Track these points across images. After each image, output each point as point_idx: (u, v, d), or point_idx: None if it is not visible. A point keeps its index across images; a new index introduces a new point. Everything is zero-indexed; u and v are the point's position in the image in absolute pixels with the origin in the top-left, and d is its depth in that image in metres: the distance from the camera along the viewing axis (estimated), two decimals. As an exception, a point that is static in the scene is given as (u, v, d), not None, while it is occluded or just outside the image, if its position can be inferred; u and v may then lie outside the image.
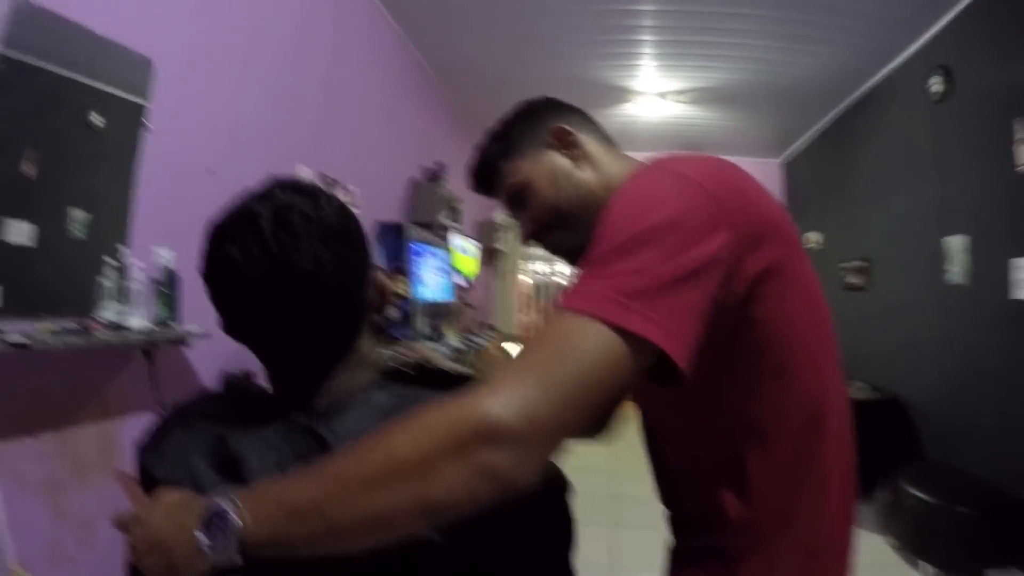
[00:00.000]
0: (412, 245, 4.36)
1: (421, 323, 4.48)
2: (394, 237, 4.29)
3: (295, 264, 0.70)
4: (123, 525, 0.67)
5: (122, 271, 2.05)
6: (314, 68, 3.30)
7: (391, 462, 0.57)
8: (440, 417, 0.59)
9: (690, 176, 0.76)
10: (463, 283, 6.01)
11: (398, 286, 4.29)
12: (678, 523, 1.02)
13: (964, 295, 3.81)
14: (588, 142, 1.00)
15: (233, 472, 0.73)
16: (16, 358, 1.66)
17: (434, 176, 5.02)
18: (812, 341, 0.86)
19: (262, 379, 2.38)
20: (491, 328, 6.56)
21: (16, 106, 1.71)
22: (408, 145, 4.85)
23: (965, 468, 3.58)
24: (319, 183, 3.39)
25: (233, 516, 0.59)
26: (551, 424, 0.59)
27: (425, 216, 4.81)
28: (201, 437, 0.78)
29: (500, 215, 7.57)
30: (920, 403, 4.22)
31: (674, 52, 4.80)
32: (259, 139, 2.82)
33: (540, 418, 0.58)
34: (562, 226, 0.98)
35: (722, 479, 0.86)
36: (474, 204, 6.72)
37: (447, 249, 5.28)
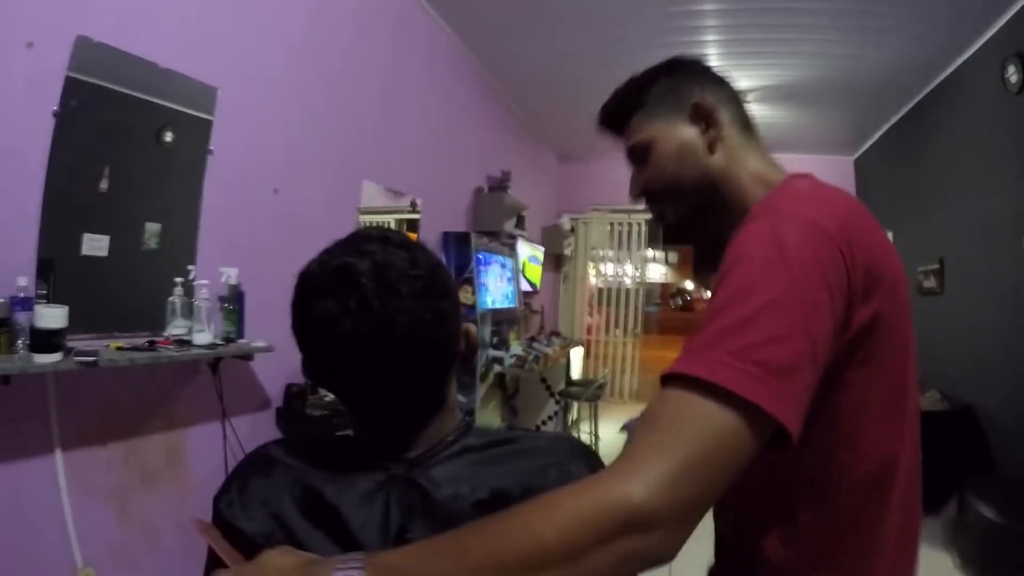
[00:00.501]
0: (477, 254, 4.37)
1: (485, 332, 4.49)
2: (459, 247, 4.31)
3: (396, 321, 0.69)
4: None
5: (189, 289, 2.13)
6: (375, 83, 3.34)
7: (536, 550, 0.54)
8: (584, 503, 0.56)
9: (833, 237, 0.70)
10: (529, 289, 6.00)
11: (464, 295, 4.32)
12: (720, 543, 0.96)
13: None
14: (728, 126, 0.91)
15: (334, 527, 0.71)
16: (89, 372, 1.74)
17: (499, 185, 5.02)
18: (896, 399, 0.80)
19: (323, 391, 2.40)
20: (555, 334, 6.53)
21: (87, 128, 1.81)
22: (472, 154, 4.87)
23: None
24: (390, 196, 3.44)
25: None
26: (693, 504, 0.57)
27: (491, 224, 4.82)
28: (286, 487, 0.74)
29: (566, 221, 7.52)
30: (994, 415, 3.91)
31: (739, 51, 4.60)
32: (323, 157, 2.88)
33: (683, 500, 0.56)
34: (672, 201, 0.93)
35: (771, 521, 0.81)
36: (540, 210, 6.70)
37: (513, 257, 5.28)
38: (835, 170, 7.05)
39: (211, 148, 2.20)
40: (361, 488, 0.73)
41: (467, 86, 4.71)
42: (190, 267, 2.20)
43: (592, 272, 7.94)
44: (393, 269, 0.70)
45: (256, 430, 2.51)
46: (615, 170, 6.87)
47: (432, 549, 0.58)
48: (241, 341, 2.24)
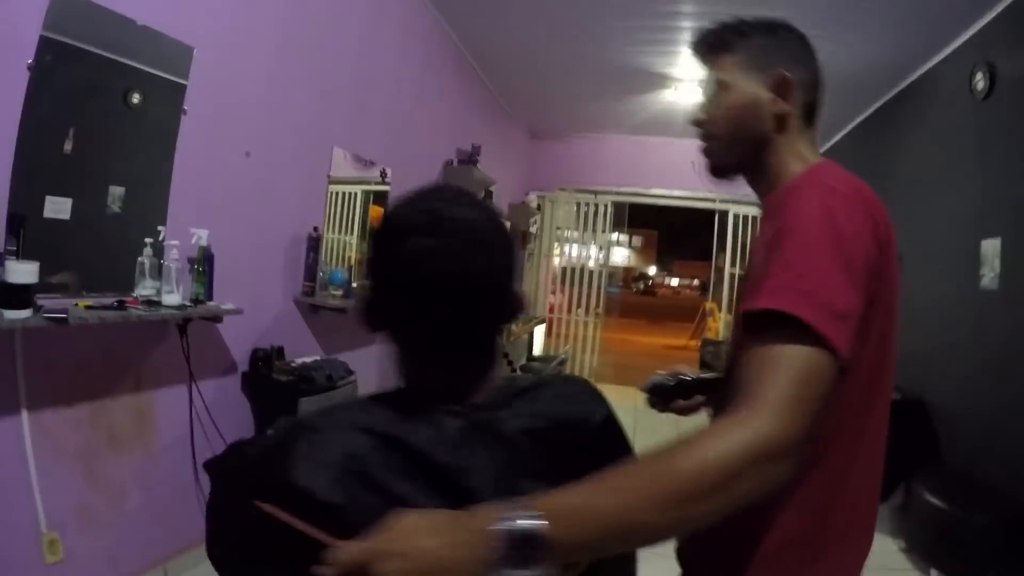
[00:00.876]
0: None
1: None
2: (427, 219, 4.29)
3: (488, 269, 0.74)
4: (358, 566, 0.57)
5: (159, 249, 2.09)
6: (350, 52, 3.28)
7: (698, 482, 0.64)
8: (734, 440, 0.66)
9: (873, 214, 0.83)
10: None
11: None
12: None
13: (998, 300, 3.67)
14: (796, 110, 0.97)
15: (432, 478, 0.69)
16: (57, 332, 1.71)
17: (469, 159, 5.00)
18: (870, 383, 0.88)
19: (291, 355, 2.38)
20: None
21: (58, 87, 1.74)
22: (443, 127, 4.82)
23: (986, 477, 3.48)
24: (360, 165, 3.39)
25: (542, 535, 0.58)
26: (807, 431, 0.69)
27: (459, 199, 4.80)
28: (365, 449, 0.68)
29: (533, 198, 7.53)
30: (945, 408, 4.09)
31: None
32: (296, 122, 2.83)
33: (802, 429, 0.68)
34: (723, 144, 0.98)
35: None
36: (508, 187, 6.69)
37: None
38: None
39: (185, 108, 2.15)
40: (448, 434, 0.72)
41: (441, 58, 4.65)
42: (160, 227, 2.15)
43: (556, 251, 7.98)
44: (486, 222, 0.76)
45: (221, 394, 2.48)
46: (584, 150, 6.91)
47: (604, 489, 0.64)
48: (210, 303, 2.21)
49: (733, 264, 7.54)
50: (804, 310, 0.71)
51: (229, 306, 2.25)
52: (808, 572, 0.87)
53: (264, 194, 2.65)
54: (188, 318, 2.15)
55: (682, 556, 1.00)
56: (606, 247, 7.94)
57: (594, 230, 7.76)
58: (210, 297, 2.23)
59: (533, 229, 7.42)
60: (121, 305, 1.85)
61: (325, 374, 2.74)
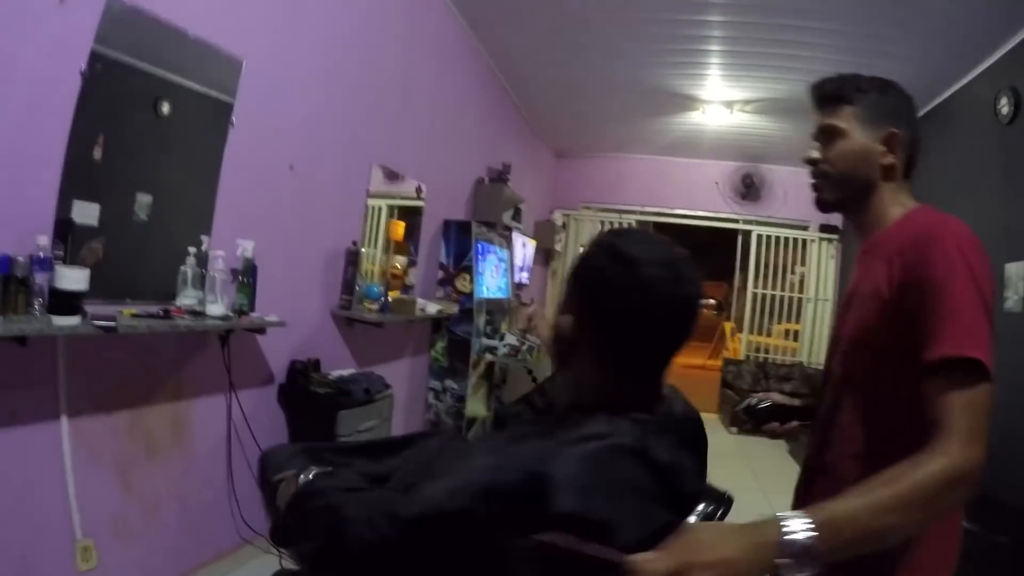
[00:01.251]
0: (477, 243, 4.33)
1: (480, 320, 4.45)
2: (459, 235, 4.27)
3: (698, 293, 0.90)
4: (681, 568, 0.72)
5: (203, 260, 2.07)
6: (389, 69, 3.27)
7: (934, 496, 0.81)
8: (946, 468, 0.81)
9: (987, 257, 0.96)
10: (526, 281, 5.98)
11: (462, 284, 4.28)
12: (817, 470, 1.13)
13: (1022, 323, 3.57)
14: (899, 163, 1.12)
15: (680, 503, 0.87)
16: (101, 339, 1.68)
17: (500, 176, 4.98)
18: None
19: (326, 367, 2.33)
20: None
21: (107, 101, 1.73)
22: (474, 145, 4.82)
23: (1009, 498, 3.37)
24: (397, 182, 3.37)
25: (815, 545, 0.74)
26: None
27: (489, 215, 4.78)
28: (641, 473, 0.81)
29: (559, 216, 7.50)
30: None
31: (741, 63, 4.61)
32: (337, 138, 2.82)
33: (985, 459, 0.84)
34: (834, 185, 1.12)
35: (867, 455, 1.01)
36: (534, 205, 6.67)
37: (509, 248, 5.24)
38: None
39: (233, 121, 2.14)
40: (667, 442, 0.85)
41: (474, 76, 4.66)
42: (203, 237, 2.13)
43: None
44: (686, 257, 0.91)
45: (258, 405, 2.45)
46: (607, 170, 6.88)
47: (875, 507, 0.80)
48: (253, 315, 2.18)
49: (756, 284, 7.44)
50: (982, 355, 0.87)
51: (273, 318, 2.22)
52: None
53: (305, 208, 2.63)
54: (231, 329, 2.12)
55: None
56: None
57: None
58: (252, 308, 2.20)
59: (558, 247, 7.37)
60: (167, 314, 1.83)
61: (363, 387, 2.71)
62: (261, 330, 2.23)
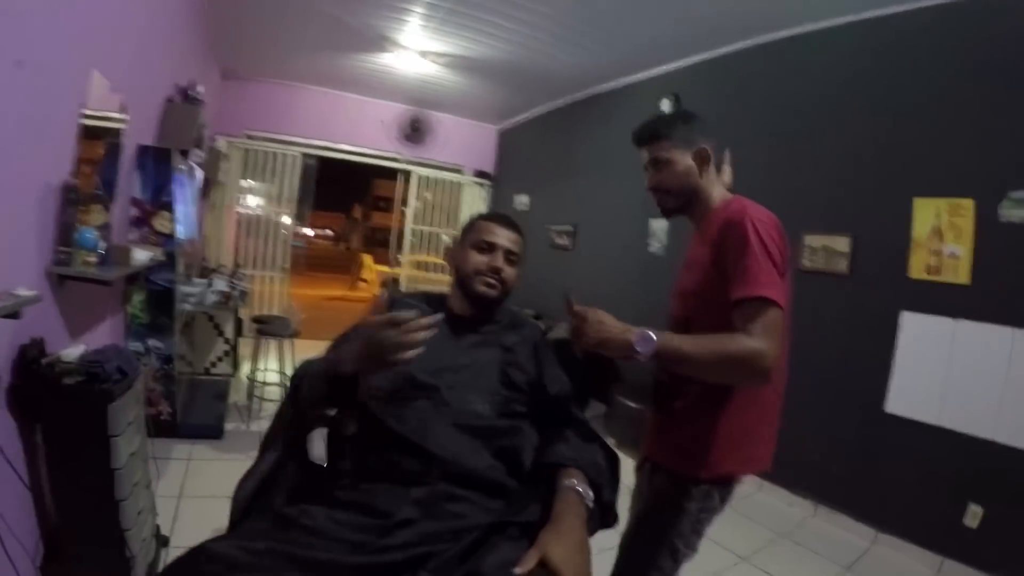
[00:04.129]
0: (175, 176, 3.42)
1: (180, 265, 3.59)
2: (156, 164, 3.30)
3: None
4: (581, 317, 1.36)
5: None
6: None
7: (724, 354, 1.23)
8: (743, 343, 1.21)
9: (779, 233, 1.34)
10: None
11: (161, 223, 3.35)
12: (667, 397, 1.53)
13: (662, 263, 4.50)
14: (711, 164, 1.47)
15: None
16: None
17: (189, 97, 3.97)
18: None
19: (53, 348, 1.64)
20: (210, 269, 5.54)
21: None
22: (167, 56, 3.70)
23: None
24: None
25: (655, 340, 1.25)
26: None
27: (181, 142, 3.78)
28: None
29: (223, 143, 6.39)
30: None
31: (443, 18, 4.52)
32: (65, 31, 1.87)
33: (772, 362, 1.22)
34: (673, 197, 1.50)
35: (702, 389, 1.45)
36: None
37: (193, 180, 4.29)
38: (482, 134, 7.57)
39: None
40: None
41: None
42: None
43: (241, 201, 6.95)
44: None
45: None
46: (275, 98, 6.21)
47: (692, 341, 1.27)
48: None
49: (417, 221, 7.61)
50: (774, 295, 1.23)
51: (28, 292, 1.42)
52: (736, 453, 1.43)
53: (23, 124, 1.70)
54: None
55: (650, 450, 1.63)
56: (295, 201, 7.17)
57: (282, 183, 6.96)
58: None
59: (222, 178, 6.30)
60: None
61: (115, 367, 1.92)
62: (15, 313, 1.41)
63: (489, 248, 1.46)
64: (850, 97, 3.44)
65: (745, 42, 4.15)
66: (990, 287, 2.74)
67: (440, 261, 7.82)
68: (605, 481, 1.23)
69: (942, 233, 2.91)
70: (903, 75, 3.18)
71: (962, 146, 2.89)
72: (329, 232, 27.53)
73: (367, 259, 12.98)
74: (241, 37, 5.44)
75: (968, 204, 2.82)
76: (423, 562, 0.98)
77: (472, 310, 1.48)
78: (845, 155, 3.43)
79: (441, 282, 7.96)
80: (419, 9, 4.44)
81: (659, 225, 4.67)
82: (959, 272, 2.84)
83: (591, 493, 1.16)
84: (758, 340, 1.19)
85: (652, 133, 1.49)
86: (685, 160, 1.45)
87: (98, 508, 1.74)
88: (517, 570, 0.95)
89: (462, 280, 1.47)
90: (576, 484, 1.14)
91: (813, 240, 3.50)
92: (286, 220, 7.19)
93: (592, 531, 1.18)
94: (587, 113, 5.87)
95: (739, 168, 4.05)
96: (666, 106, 4.68)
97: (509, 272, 1.48)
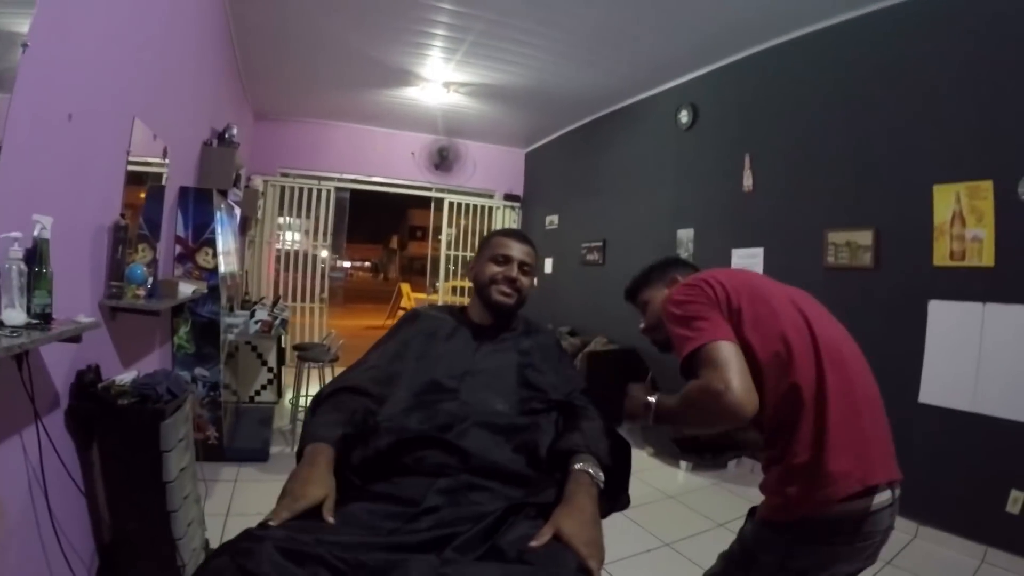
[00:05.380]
0: (217, 214, 3.64)
1: (224, 297, 3.78)
2: (198, 204, 3.53)
3: None
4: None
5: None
6: (159, 8, 2.50)
7: (687, 399, 1.28)
8: (698, 384, 1.24)
9: (699, 285, 1.40)
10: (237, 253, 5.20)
11: (204, 259, 3.56)
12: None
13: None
14: (680, 278, 1.57)
15: None
16: None
17: (226, 139, 4.22)
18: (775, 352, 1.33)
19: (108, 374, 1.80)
20: (250, 301, 5.79)
21: None
22: (204, 102, 3.96)
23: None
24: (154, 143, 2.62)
25: (654, 404, 1.37)
26: (734, 387, 1.21)
27: (220, 182, 4.02)
28: None
29: (259, 182, 6.70)
30: (649, 352, 4.95)
31: (465, 49, 4.71)
32: (110, 83, 2.07)
33: (733, 388, 1.20)
34: (658, 331, 1.57)
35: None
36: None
37: (234, 218, 4.52)
38: (510, 158, 7.74)
39: (27, 41, 1.41)
40: None
41: (214, 25, 3.81)
42: (-36, 216, 1.39)
43: (279, 237, 7.24)
44: None
45: (50, 439, 1.72)
46: (307, 136, 6.49)
47: (672, 397, 1.34)
48: (59, 318, 1.52)
49: (452, 247, 7.78)
50: (692, 344, 1.28)
51: (88, 319, 1.58)
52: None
53: (74, 172, 1.89)
54: (34, 345, 1.44)
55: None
56: (332, 236, 7.44)
57: (317, 217, 7.24)
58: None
59: (259, 215, 6.60)
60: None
61: (166, 388, 2.08)
62: (77, 338, 1.57)
63: (505, 260, 1.58)
64: (863, 89, 3.46)
65: (757, 46, 4.22)
66: (1015, 267, 2.71)
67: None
68: (615, 464, 1.33)
69: (963, 217, 2.90)
70: (913, 63, 3.19)
71: (977, 128, 2.89)
72: (367, 263, 28.09)
73: (405, 288, 13.23)
74: (271, 81, 5.74)
75: (987, 186, 2.81)
76: (448, 541, 1.06)
77: (491, 319, 1.60)
78: (861, 148, 3.44)
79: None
80: (439, 43, 4.65)
81: (686, 234, 4.71)
82: (983, 255, 2.82)
83: (601, 475, 1.26)
84: (703, 377, 1.23)
85: (636, 288, 1.70)
86: (661, 295, 1.58)
87: (150, 519, 1.88)
88: (532, 543, 1.04)
89: (481, 290, 1.60)
90: (587, 467, 1.24)
91: (836, 237, 3.50)
92: (324, 253, 7.45)
93: (605, 512, 1.29)
94: (609, 129, 5.98)
95: (759, 172, 4.12)
96: (684, 117, 4.75)
97: (524, 281, 1.60)
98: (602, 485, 1.25)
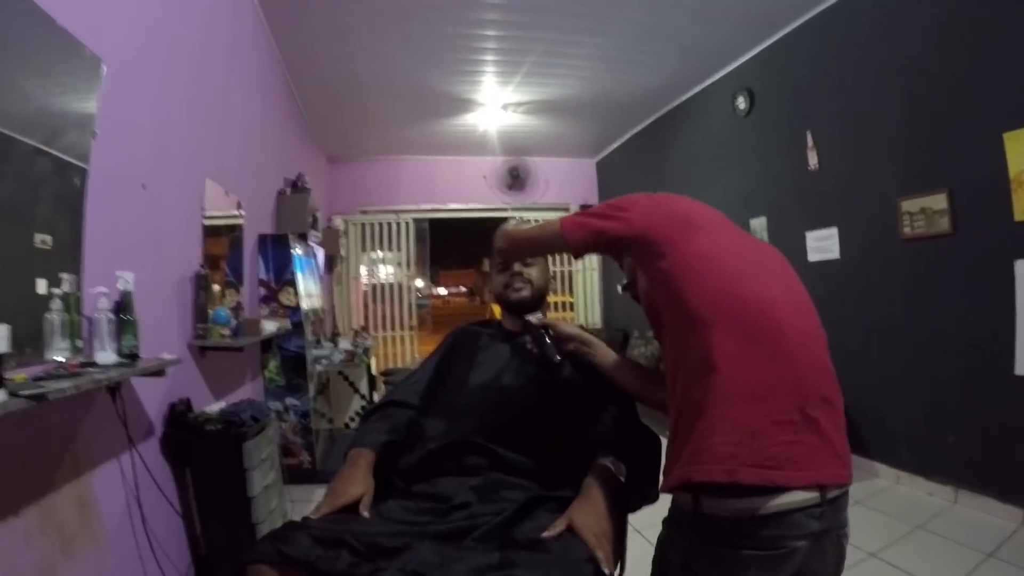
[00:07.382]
0: (295, 256, 3.97)
1: (308, 332, 4.10)
2: (276, 248, 3.88)
3: None
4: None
5: (69, 302, 1.62)
6: (211, 75, 2.84)
7: (541, 235, 1.39)
8: (553, 229, 1.32)
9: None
10: (325, 289, 5.60)
11: (287, 298, 3.89)
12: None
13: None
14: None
15: None
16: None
17: (299, 186, 4.60)
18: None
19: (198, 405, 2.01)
20: (336, 334, 6.17)
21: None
22: (274, 155, 4.38)
23: None
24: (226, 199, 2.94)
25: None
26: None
27: (296, 226, 4.40)
28: None
29: (339, 222, 7.16)
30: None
31: (515, 70, 4.89)
32: (174, 152, 2.38)
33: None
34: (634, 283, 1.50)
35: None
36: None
37: (314, 258, 4.89)
38: (580, 170, 7.82)
39: (96, 131, 1.69)
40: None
41: (272, 83, 4.22)
42: (63, 275, 1.66)
43: (364, 272, 7.67)
44: None
45: (149, 463, 1.99)
46: (380, 173, 6.80)
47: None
48: (146, 356, 1.77)
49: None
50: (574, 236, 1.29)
51: (171, 356, 1.83)
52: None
53: (153, 231, 2.18)
54: (124, 377, 1.70)
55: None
56: (411, 265, 7.80)
57: (399, 248, 7.61)
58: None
59: (343, 252, 7.04)
60: (71, 371, 1.41)
61: (249, 415, 2.35)
62: (161, 372, 1.82)
63: (505, 266, 1.68)
64: (920, 43, 3.24)
65: (803, 16, 4.04)
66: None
67: (565, 298, 8.13)
68: (639, 458, 1.35)
69: (1041, 162, 2.66)
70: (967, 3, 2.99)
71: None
72: (463, 288, 28.90)
73: (495, 308, 13.47)
74: (335, 126, 6.19)
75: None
76: (470, 531, 1.17)
77: (519, 324, 1.69)
78: (922, 107, 3.24)
79: (566, 317, 8.18)
80: (490, 68, 4.85)
81: (759, 223, 4.60)
82: (1068, 202, 2.58)
83: (623, 468, 1.30)
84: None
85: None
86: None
87: (238, 532, 2.11)
88: (545, 534, 1.12)
89: (500, 299, 1.70)
90: (607, 461, 1.29)
91: (910, 204, 3.32)
92: (419, 283, 7.82)
93: (634, 506, 1.33)
94: (671, 127, 5.95)
95: (822, 149, 3.98)
96: (742, 103, 4.68)
97: (529, 271, 1.66)
98: (623, 479, 1.29)
